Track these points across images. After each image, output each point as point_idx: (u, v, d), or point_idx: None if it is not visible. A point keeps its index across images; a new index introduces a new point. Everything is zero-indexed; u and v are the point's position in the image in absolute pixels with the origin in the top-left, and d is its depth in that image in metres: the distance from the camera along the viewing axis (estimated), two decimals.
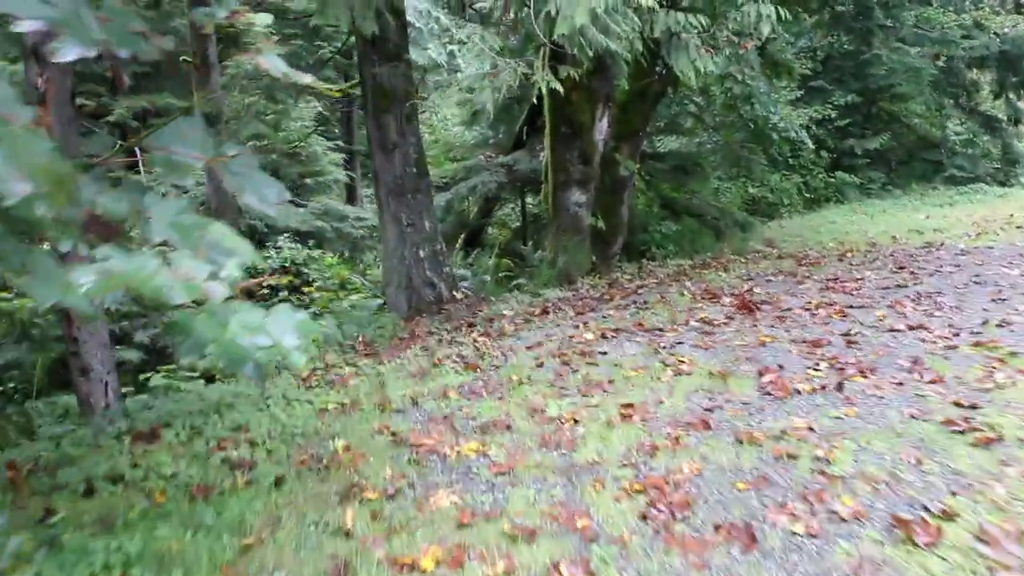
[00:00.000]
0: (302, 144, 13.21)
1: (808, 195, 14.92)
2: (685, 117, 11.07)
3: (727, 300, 5.75)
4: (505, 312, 6.02)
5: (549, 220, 8.97)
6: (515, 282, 9.39)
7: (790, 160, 15.04)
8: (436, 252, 6.99)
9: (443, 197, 11.48)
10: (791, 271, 7.15)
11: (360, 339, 5.95)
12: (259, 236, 11.23)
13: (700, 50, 5.33)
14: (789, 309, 5.31)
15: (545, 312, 5.88)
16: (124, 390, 5.41)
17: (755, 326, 4.84)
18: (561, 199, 8.49)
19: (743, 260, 8.36)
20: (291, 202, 12.55)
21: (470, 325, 5.82)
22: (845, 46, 15.13)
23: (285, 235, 10.82)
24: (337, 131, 24.26)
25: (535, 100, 11.01)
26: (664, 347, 4.45)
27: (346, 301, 9.13)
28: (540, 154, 11.03)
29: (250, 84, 11.69)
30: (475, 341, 5.03)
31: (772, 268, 7.43)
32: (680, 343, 4.53)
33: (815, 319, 4.97)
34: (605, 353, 4.41)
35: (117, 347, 8.38)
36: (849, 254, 8.14)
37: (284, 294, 9.41)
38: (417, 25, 11.24)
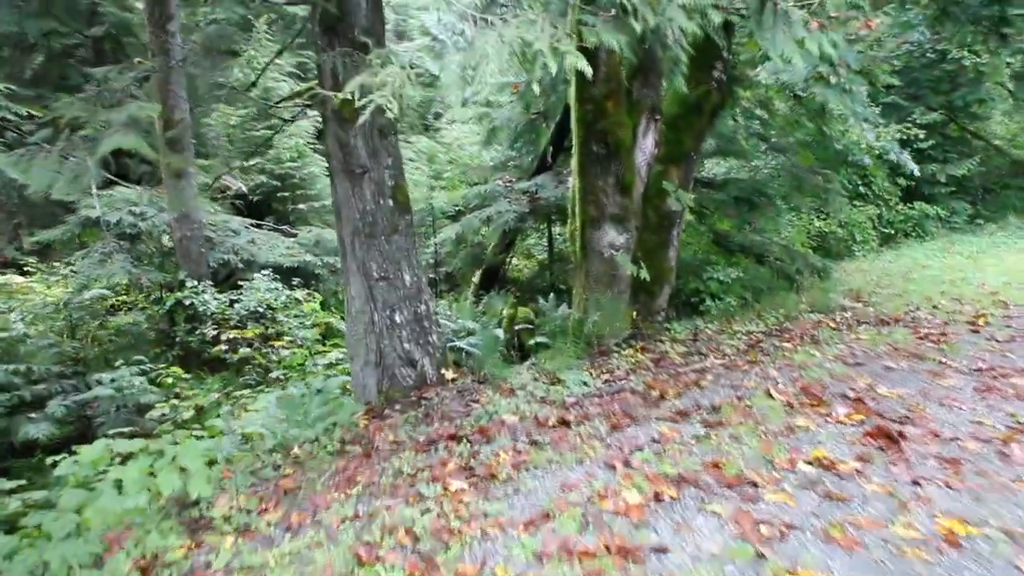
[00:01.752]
0: (294, 164, 11.52)
1: (883, 229, 12.74)
2: (742, 136, 9.08)
3: (841, 411, 3.74)
4: (506, 418, 4.08)
5: (576, 266, 7.06)
6: (533, 341, 7.47)
7: (860, 188, 12.91)
8: (419, 316, 5.11)
9: (453, 229, 9.66)
10: (914, 350, 5.09)
11: (293, 452, 4.08)
12: (232, 273, 9.49)
13: (809, 24, 3.40)
14: (955, 440, 3.29)
15: (564, 424, 3.92)
16: None
17: (915, 485, 2.84)
18: (592, 240, 6.57)
19: (832, 324, 6.31)
20: (275, 230, 10.84)
21: (452, 438, 3.89)
22: (928, 54, 13.00)
23: (264, 271, 9.05)
24: None
25: (564, 112, 9.16)
26: (768, 536, 2.48)
27: (321, 364, 7.31)
28: (568, 179, 9.16)
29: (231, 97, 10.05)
30: (447, 492, 3.10)
31: (882, 343, 5.37)
32: (793, 527, 2.55)
33: (1012, 464, 2.96)
34: (664, 551, 2.45)
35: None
36: (980, 320, 6.03)
37: (247, 350, 7.61)
38: (441, 38, 9.59)
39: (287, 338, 7.85)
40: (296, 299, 8.89)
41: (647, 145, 6.54)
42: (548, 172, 9.87)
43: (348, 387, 5.41)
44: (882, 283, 8.62)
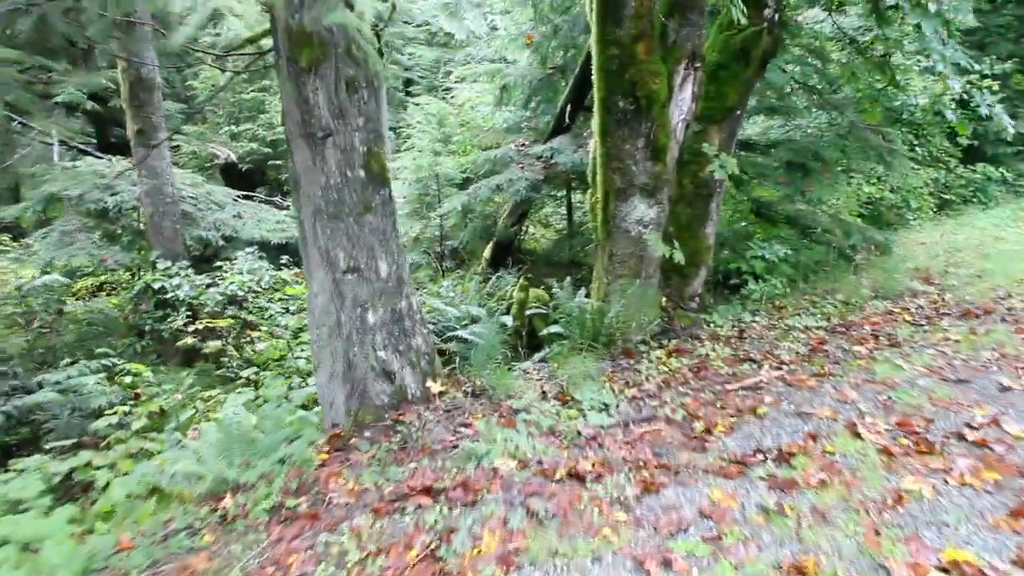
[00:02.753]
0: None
1: (940, 195, 11.41)
2: (791, 89, 7.79)
3: (963, 464, 2.68)
4: (500, 464, 3.07)
5: (597, 245, 5.97)
6: (546, 330, 6.47)
7: (916, 148, 11.54)
8: (399, 315, 4.09)
9: (459, 199, 8.59)
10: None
11: (223, 503, 3.13)
12: (214, 251, 8.55)
13: None
14: None
15: (576, 478, 2.90)
16: None
17: None
18: (617, 214, 5.48)
19: (907, 316, 5.18)
20: (267, 202, 9.85)
21: (426, 492, 2.90)
22: None
23: (249, 249, 8.09)
24: None
25: (584, 64, 8.00)
26: None
27: (303, 358, 6.37)
28: (588, 141, 8.01)
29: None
30: None
31: (983, 346, 4.24)
32: None
33: None
34: None
35: None
36: None
37: (217, 342, 6.69)
38: None
39: (267, 327, 6.91)
40: (283, 280, 7.93)
41: (684, 99, 5.38)
42: (566, 134, 8.71)
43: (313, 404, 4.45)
44: (952, 260, 7.41)
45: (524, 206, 9.68)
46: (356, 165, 3.94)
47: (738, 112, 6.03)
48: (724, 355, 4.47)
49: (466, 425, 3.77)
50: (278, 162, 10.35)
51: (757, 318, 5.35)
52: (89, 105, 10.67)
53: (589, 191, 6.09)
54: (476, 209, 8.52)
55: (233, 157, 10.40)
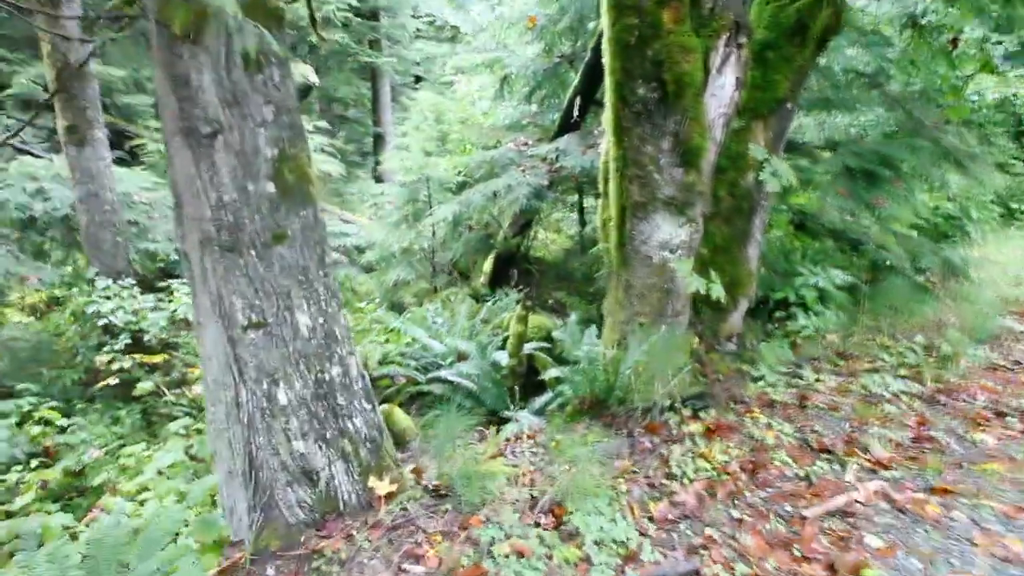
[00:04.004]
0: None
1: (1007, 204, 10.03)
2: (844, 79, 6.46)
3: None
4: None
5: (610, 273, 4.73)
6: (549, 374, 5.27)
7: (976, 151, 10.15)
8: (327, 387, 2.87)
9: (449, 208, 7.36)
10: None
11: None
12: (160, 269, 7.41)
13: None
14: None
15: None
16: None
17: None
18: (635, 236, 4.24)
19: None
20: None
21: None
22: None
23: None
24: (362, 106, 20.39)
25: (595, 49, 6.77)
26: None
27: None
28: (600, 141, 6.77)
29: None
30: None
31: None
32: None
33: None
34: None
35: None
36: None
37: (147, 384, 5.52)
38: None
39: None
40: None
41: (725, 86, 4.12)
42: (574, 132, 7.48)
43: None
44: None
45: (528, 215, 8.44)
46: (260, 174, 2.72)
47: (789, 105, 4.75)
48: (787, 440, 3.21)
49: (416, 558, 2.55)
50: None
51: (821, 376, 4.06)
52: (44, 97, 9.56)
53: (599, 206, 4.84)
54: (466, 220, 7.30)
55: None
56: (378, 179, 15.32)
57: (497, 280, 8.94)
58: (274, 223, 2.76)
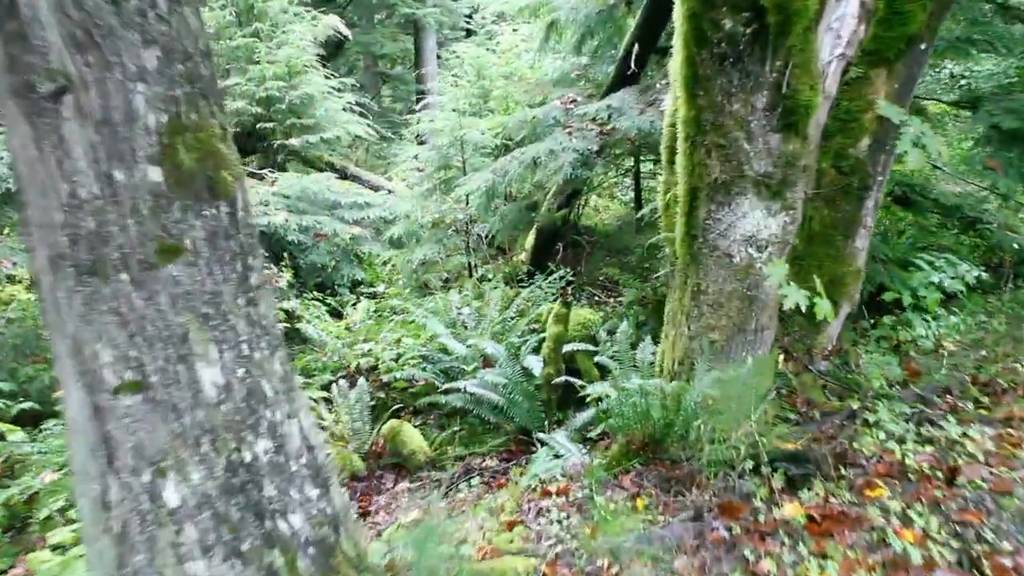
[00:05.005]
0: (283, 83, 8.36)
1: None
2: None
3: None
4: None
5: (673, 270, 3.64)
6: (591, 391, 4.26)
7: None
8: (251, 473, 1.95)
9: (481, 178, 6.32)
10: None
11: None
12: None
13: None
14: None
15: None
16: None
17: None
18: (710, 226, 3.13)
19: None
20: (253, 175, 7.84)
21: None
22: None
23: None
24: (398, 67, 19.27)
25: None
26: None
27: None
28: (662, 97, 5.60)
29: None
30: None
31: None
32: None
33: None
34: None
35: None
36: None
37: None
38: None
39: None
40: None
41: (846, 16, 2.92)
42: (631, 87, 6.28)
43: None
44: None
45: (575, 183, 7.33)
46: (136, 155, 1.75)
47: (923, 46, 3.50)
48: (939, 552, 2.13)
49: None
50: (269, 125, 8.28)
51: (964, 425, 2.92)
52: None
53: (661, 183, 3.71)
54: (502, 192, 6.24)
55: None
56: (422, 141, 14.32)
57: (540, 256, 7.92)
58: (161, 230, 1.79)
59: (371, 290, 7.47)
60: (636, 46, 6.14)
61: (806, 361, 3.86)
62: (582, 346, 4.98)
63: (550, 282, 6.36)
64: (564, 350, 4.77)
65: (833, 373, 3.85)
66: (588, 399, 4.11)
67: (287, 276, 6.39)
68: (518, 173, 6.11)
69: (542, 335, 4.99)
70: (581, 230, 10.40)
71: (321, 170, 9.12)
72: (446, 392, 4.67)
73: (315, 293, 7.02)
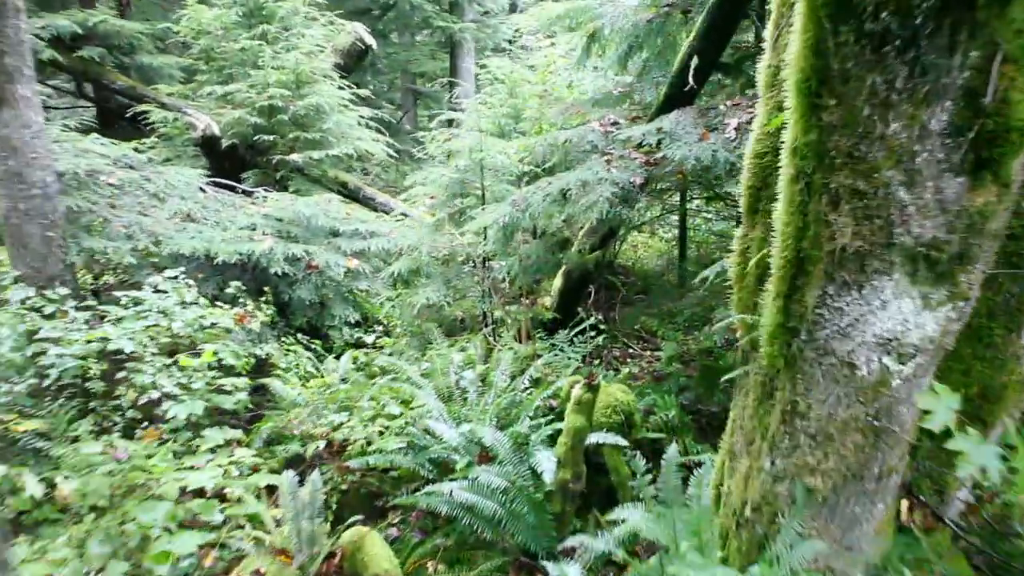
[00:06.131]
0: (287, 92, 7.42)
1: None
2: None
3: None
4: None
5: (746, 375, 2.46)
6: (619, 517, 3.04)
7: None
8: None
9: (497, 213, 5.20)
10: None
11: None
12: (122, 272, 5.67)
13: None
14: None
15: None
16: None
17: None
18: (822, 320, 1.93)
19: None
20: (247, 194, 6.87)
21: None
22: None
23: (171, 273, 5.12)
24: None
25: None
26: None
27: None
28: (728, 123, 4.46)
29: None
30: None
31: None
32: None
33: None
34: None
35: None
36: None
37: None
38: None
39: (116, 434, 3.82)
40: (210, 324, 4.87)
41: None
42: (686, 108, 5.12)
43: None
44: None
45: (611, 222, 6.16)
46: None
47: None
48: None
49: None
50: (269, 137, 7.32)
51: None
52: (47, 54, 8.09)
53: (739, 233, 2.54)
54: (516, 223, 5.09)
55: (215, 128, 7.49)
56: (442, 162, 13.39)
57: (568, 302, 6.77)
58: None
59: (371, 334, 6.38)
60: (695, 59, 5.00)
61: (937, 508, 2.62)
62: (611, 438, 3.79)
63: (575, 345, 5.18)
64: (583, 444, 3.59)
65: (981, 532, 2.60)
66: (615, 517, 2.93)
67: (263, 315, 5.33)
68: (542, 208, 4.98)
69: (557, 422, 3.81)
70: (616, 269, 9.22)
71: (332, 190, 8.15)
72: (428, 494, 3.52)
73: (299, 336, 5.96)
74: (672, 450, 3.30)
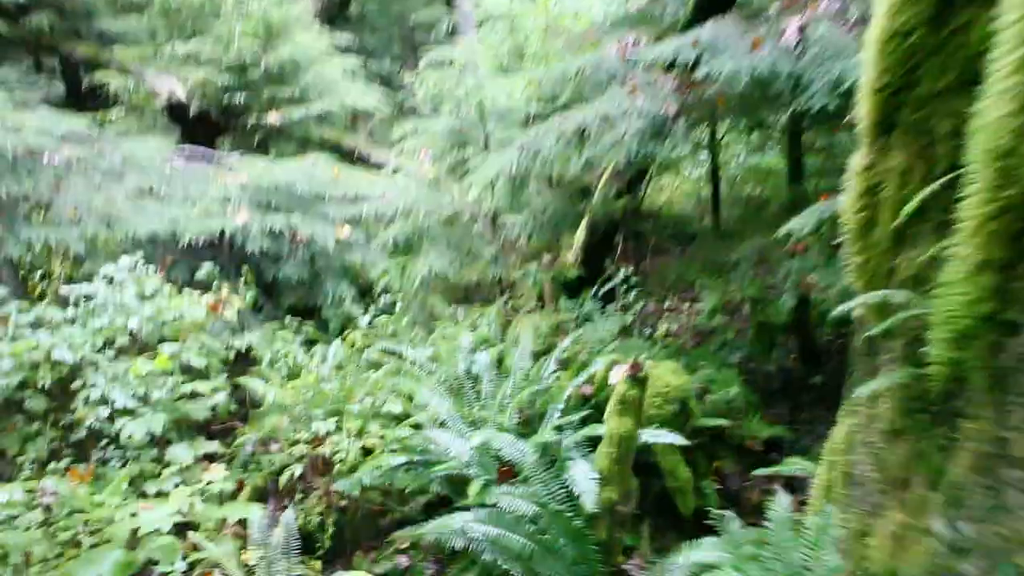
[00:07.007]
0: (258, 46, 6.49)
1: None
2: None
3: None
4: None
5: (897, 389, 1.63)
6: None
7: None
8: None
9: (501, 161, 4.32)
10: None
11: None
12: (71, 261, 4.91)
13: None
14: None
15: None
16: None
17: None
18: None
19: None
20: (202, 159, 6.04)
21: None
22: None
23: (124, 260, 4.36)
24: None
25: None
26: None
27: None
28: (789, 21, 3.51)
29: None
30: None
31: None
32: None
33: None
34: None
35: None
36: None
37: None
38: None
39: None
40: (174, 317, 4.11)
41: None
42: (723, 16, 4.14)
43: None
44: None
45: (640, 163, 5.22)
46: None
47: None
48: None
49: None
50: (241, 95, 6.44)
51: None
52: None
53: (856, 167, 1.67)
54: (529, 169, 4.18)
55: (180, 91, 6.62)
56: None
57: (593, 256, 5.92)
58: None
59: (370, 312, 5.59)
60: None
61: None
62: (664, 436, 2.98)
63: (606, 312, 4.36)
64: (632, 452, 2.79)
65: None
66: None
67: (240, 301, 4.57)
68: (556, 151, 4.10)
69: (594, 423, 3.01)
70: (644, 216, 8.26)
71: (323, 151, 7.28)
72: (438, 526, 2.77)
73: (289, 320, 5.20)
74: (781, 495, 2.38)
